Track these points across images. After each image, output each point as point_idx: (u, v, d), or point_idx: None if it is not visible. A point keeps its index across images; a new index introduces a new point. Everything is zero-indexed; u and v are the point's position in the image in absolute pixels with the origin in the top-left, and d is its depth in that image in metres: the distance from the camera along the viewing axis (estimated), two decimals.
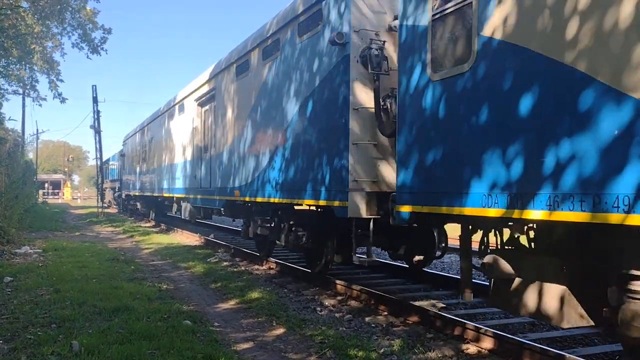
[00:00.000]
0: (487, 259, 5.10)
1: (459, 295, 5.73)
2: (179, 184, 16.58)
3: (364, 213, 6.86)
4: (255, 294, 8.10)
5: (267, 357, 5.34)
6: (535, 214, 4.14)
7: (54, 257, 11.96)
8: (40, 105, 32.88)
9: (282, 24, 9.09)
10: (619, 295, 3.87)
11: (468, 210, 4.85)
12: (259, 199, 9.87)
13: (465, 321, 5.87)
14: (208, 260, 12.02)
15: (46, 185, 78.50)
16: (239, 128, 11.04)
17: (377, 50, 6.82)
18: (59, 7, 24.99)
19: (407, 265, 9.03)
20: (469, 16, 4.92)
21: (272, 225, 9.94)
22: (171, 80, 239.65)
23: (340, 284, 8.31)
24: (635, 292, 3.74)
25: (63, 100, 29.84)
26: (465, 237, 5.66)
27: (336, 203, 7.18)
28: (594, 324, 4.40)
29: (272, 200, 9.24)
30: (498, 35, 4.57)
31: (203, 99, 14.01)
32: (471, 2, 4.88)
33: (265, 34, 9.81)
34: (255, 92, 10.22)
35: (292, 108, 8.62)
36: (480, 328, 5.60)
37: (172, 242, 16.41)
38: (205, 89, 13.75)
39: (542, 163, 4.09)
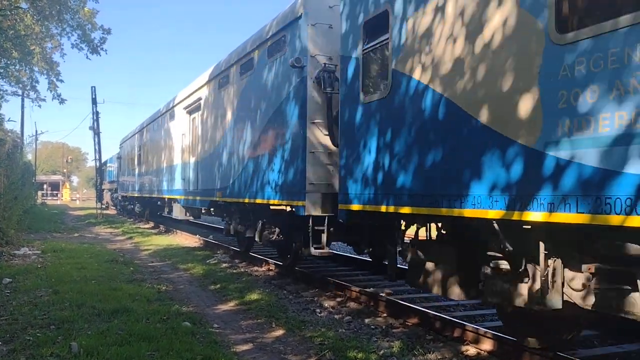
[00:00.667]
0: (404, 247, 6.20)
1: (388, 274, 7.07)
2: (171, 186, 17.28)
3: (318, 211, 7.94)
4: (254, 296, 8.11)
5: (266, 358, 5.35)
6: (406, 209, 5.57)
7: (52, 258, 11.96)
8: (39, 106, 32.64)
9: (256, 45, 10.05)
10: (486, 272, 4.90)
11: (392, 208, 5.84)
12: (235, 199, 10.84)
13: (465, 323, 5.89)
14: (207, 261, 12.03)
15: (45, 186, 78.43)
16: (220, 136, 11.97)
17: (329, 72, 7.88)
18: (58, 7, 24.93)
19: (370, 259, 10.06)
20: (386, 53, 6.05)
21: (249, 223, 10.82)
22: (170, 79, 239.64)
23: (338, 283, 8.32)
24: (494, 268, 4.73)
25: (62, 101, 29.71)
26: (391, 230, 6.69)
27: (297, 203, 8.13)
28: (476, 296, 5.31)
29: (247, 200, 10.23)
30: (404, 70, 5.67)
31: (191, 107, 14.86)
32: (388, 43, 5.99)
33: (242, 52, 10.76)
34: (233, 103, 11.16)
35: (263, 120, 9.54)
36: (480, 330, 5.61)
37: (171, 243, 16.41)
38: (193, 98, 14.63)
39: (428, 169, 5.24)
